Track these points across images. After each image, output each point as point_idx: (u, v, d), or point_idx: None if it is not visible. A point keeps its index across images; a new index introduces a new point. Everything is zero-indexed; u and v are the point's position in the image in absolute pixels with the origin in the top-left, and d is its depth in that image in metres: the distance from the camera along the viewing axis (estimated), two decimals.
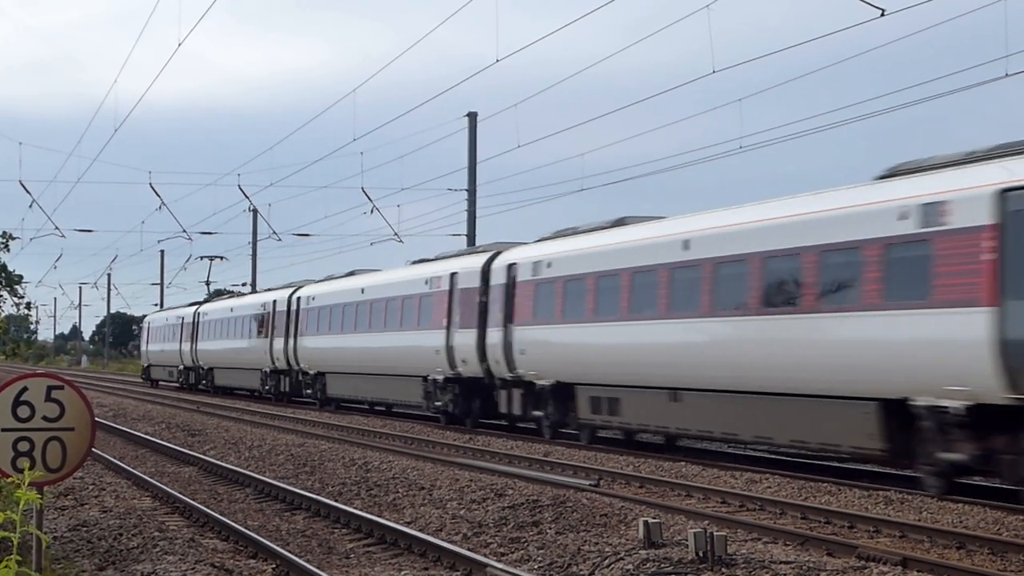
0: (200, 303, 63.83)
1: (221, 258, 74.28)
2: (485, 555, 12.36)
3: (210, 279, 78.27)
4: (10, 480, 9.04)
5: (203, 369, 58.10)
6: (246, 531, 13.82)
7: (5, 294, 29.78)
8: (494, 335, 28.64)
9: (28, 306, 32.15)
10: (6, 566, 6.94)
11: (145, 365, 72.55)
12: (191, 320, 59.80)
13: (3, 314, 28.67)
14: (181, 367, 61.97)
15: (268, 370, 47.55)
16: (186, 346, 60.12)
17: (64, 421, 9.55)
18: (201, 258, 76.01)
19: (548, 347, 26.47)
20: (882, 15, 21.27)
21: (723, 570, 11.10)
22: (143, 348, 73.28)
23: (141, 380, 73.57)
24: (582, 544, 12.74)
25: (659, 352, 22.68)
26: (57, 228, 57.26)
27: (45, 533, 9.03)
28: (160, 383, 69.04)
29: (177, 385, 63.84)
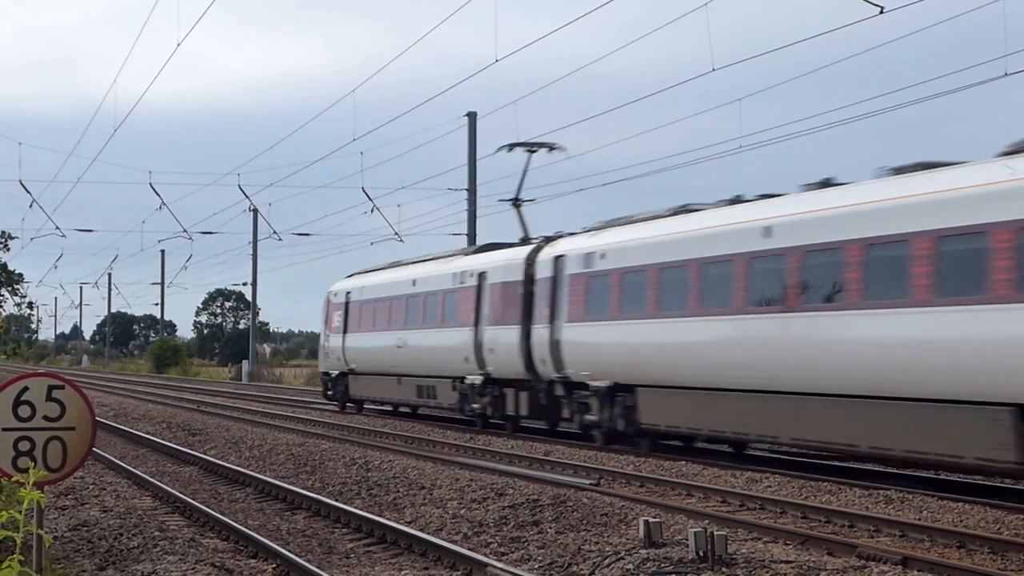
0: (523, 242, 30.82)
1: (551, 147, 32.69)
2: (485, 555, 12.36)
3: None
4: (13, 479, 9.03)
5: (613, 390, 24.69)
6: (246, 531, 13.82)
7: (6, 293, 29.84)
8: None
9: (30, 305, 32.26)
10: (8, 566, 6.93)
11: (335, 373, 40.21)
12: (521, 277, 28.60)
13: (4, 314, 28.67)
14: (476, 380, 30.46)
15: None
16: (506, 334, 29.03)
17: (65, 421, 9.55)
18: (510, 147, 32.98)
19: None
20: (881, 13, 21.25)
21: (723, 569, 11.11)
22: (328, 343, 40.77)
23: (325, 397, 41.84)
24: (582, 543, 12.75)
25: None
26: (57, 228, 57.64)
27: (46, 533, 9.02)
28: (368, 407, 40.21)
29: (425, 413, 36.98)
